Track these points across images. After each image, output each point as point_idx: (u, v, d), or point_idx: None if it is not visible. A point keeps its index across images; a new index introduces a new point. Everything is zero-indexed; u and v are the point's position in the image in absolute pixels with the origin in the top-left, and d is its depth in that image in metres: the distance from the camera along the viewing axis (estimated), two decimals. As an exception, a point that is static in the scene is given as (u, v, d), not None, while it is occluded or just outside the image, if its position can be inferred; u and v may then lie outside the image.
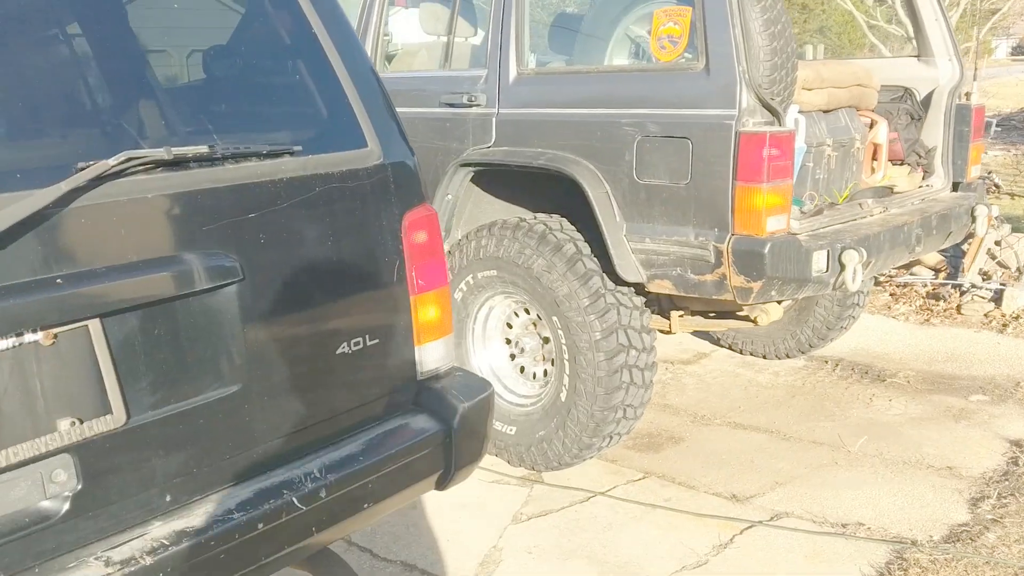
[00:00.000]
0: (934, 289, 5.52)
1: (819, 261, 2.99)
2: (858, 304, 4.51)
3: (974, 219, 3.83)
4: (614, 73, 3.51)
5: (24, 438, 1.43)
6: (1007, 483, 3.20)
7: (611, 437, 3.44)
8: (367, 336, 1.89)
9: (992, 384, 4.25)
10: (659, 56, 3.19)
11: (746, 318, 3.70)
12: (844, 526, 3.02)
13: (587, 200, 3.28)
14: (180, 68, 1.81)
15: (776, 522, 3.10)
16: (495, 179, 3.76)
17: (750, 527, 3.08)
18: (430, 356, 2.04)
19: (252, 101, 1.86)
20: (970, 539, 2.84)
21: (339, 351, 1.85)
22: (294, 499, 1.69)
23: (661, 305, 3.86)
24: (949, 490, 3.23)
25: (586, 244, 3.38)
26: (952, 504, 3.12)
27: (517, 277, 3.45)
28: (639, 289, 3.39)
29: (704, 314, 3.78)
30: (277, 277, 1.73)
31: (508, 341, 3.72)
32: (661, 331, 3.79)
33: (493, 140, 3.60)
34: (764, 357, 4.78)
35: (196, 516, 1.60)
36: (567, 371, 3.38)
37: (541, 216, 3.51)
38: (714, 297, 3.15)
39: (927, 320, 5.23)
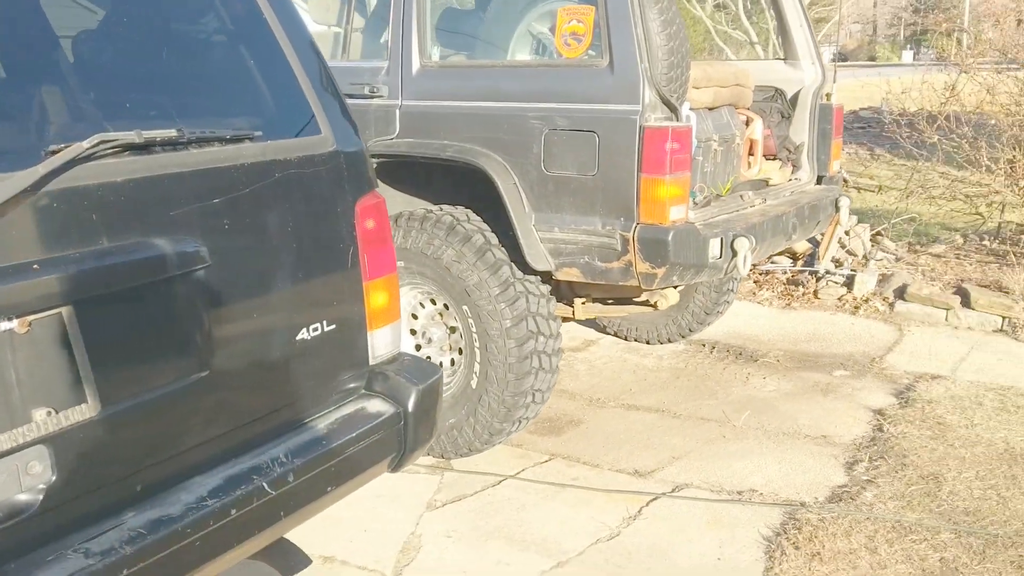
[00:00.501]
0: (793, 276, 6.01)
1: (715, 248, 3.24)
2: (732, 290, 4.86)
3: (838, 209, 4.23)
4: (521, 67, 3.63)
5: (1, 430, 1.39)
6: (875, 448, 3.58)
7: (520, 422, 3.58)
8: (324, 322, 1.93)
9: (851, 360, 4.69)
10: (564, 52, 3.34)
11: (646, 303, 3.93)
12: (739, 493, 3.29)
13: (495, 191, 3.39)
14: (138, 52, 1.77)
15: (678, 493, 3.33)
16: (395, 171, 3.81)
17: (655, 499, 3.29)
18: (381, 341, 2.09)
19: (209, 88, 1.86)
20: (850, 498, 3.16)
21: (299, 337, 1.88)
22: (264, 484, 1.72)
23: (561, 293, 4.03)
24: (826, 456, 3.57)
25: (493, 235, 3.49)
26: (830, 469, 3.45)
27: (425, 268, 3.51)
28: (545, 277, 3.55)
29: (603, 301, 3.98)
30: (240, 263, 1.75)
31: (413, 332, 3.78)
32: (564, 318, 3.95)
33: (397, 132, 3.65)
34: (648, 342, 5.06)
35: (170, 505, 1.60)
36: (477, 359, 3.48)
37: (447, 207, 3.59)
38: (620, 283, 3.35)
39: (788, 304, 5.69)
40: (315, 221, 1.91)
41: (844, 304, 5.57)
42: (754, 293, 5.91)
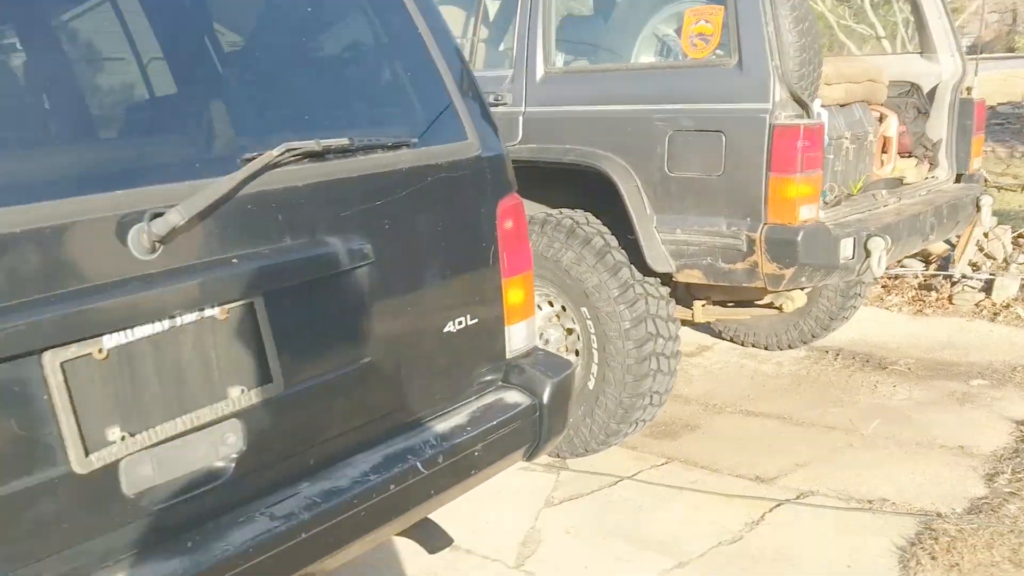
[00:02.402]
0: (925, 280, 5.98)
1: (846, 248, 3.36)
2: (859, 295, 4.92)
3: (979, 209, 4.26)
4: (644, 70, 3.83)
5: (204, 404, 1.69)
6: (1019, 459, 3.62)
7: (637, 424, 3.77)
8: (468, 316, 2.18)
9: (990, 369, 4.69)
10: (690, 53, 3.53)
11: (770, 305, 4.06)
12: (870, 502, 3.40)
13: (615, 194, 3.60)
14: (308, 67, 2.07)
15: (803, 500, 3.46)
16: (516, 177, 4.05)
17: (778, 505, 3.44)
18: (517, 336, 2.33)
19: (370, 98, 2.14)
20: (991, 510, 3.23)
21: (445, 329, 2.13)
22: (418, 464, 1.97)
23: (679, 295, 4.20)
24: (963, 467, 3.63)
25: (612, 237, 3.70)
26: (968, 480, 3.52)
27: (544, 270, 3.75)
28: (663, 280, 3.73)
29: (723, 303, 4.13)
30: (398, 260, 2.01)
31: (531, 331, 4.01)
32: (683, 320, 4.13)
33: (519, 138, 3.90)
34: (766, 348, 5.17)
35: (339, 478, 1.88)
36: (595, 360, 3.70)
37: (567, 211, 3.81)
38: (744, 285, 3.50)
39: (920, 311, 5.69)
40: (461, 222, 2.17)
41: (982, 310, 5.53)
42: (882, 299, 5.92)
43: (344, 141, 1.88)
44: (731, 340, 5.29)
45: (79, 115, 1.70)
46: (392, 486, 1.91)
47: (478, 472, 2.13)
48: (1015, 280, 5.58)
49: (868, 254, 3.40)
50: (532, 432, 2.27)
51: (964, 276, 5.78)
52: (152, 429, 1.62)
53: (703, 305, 4.11)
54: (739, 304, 4.15)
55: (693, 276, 3.59)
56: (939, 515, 3.24)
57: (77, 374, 1.52)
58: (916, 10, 4.56)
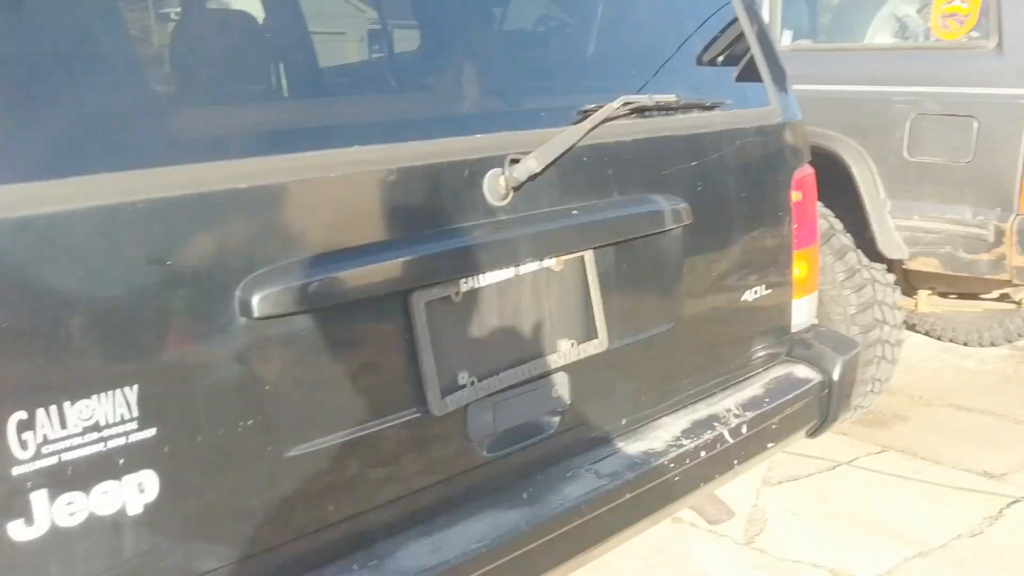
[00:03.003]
0: None
1: (1102, 244, 2.94)
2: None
3: None
4: (887, 50, 3.49)
5: (539, 355, 1.54)
6: None
7: (856, 409, 3.45)
8: (763, 286, 1.97)
9: None
10: (941, 34, 3.17)
11: (1006, 299, 3.64)
12: (1117, 507, 2.97)
13: (845, 177, 3.27)
14: (639, 28, 1.90)
15: (1040, 500, 3.06)
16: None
17: (1015, 502, 3.05)
18: (801, 310, 2.10)
19: (683, 59, 1.94)
20: None
21: (743, 297, 1.93)
22: (724, 432, 1.77)
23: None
24: None
25: (838, 220, 3.37)
26: None
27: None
28: (890, 267, 3.38)
29: (946, 295, 3.73)
30: (710, 223, 1.82)
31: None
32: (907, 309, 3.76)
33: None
34: (965, 344, 4.68)
35: (653, 440, 1.70)
36: (817, 343, 3.39)
37: (792, 191, 3.51)
38: (986, 276, 3.13)
39: None
40: (763, 189, 1.96)
41: None
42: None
43: (672, 97, 1.70)
44: (926, 334, 4.82)
45: (443, 68, 1.57)
46: (703, 452, 1.73)
47: (775, 444, 1.93)
48: None
49: None
50: (820, 409, 2.03)
51: None
52: (496, 376, 1.49)
53: (928, 295, 3.72)
54: (965, 296, 3.73)
55: (929, 264, 3.23)
56: None
57: (437, 315, 1.39)
58: None
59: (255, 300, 1.15)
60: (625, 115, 1.63)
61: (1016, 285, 3.32)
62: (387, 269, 1.30)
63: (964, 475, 3.29)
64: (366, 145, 1.31)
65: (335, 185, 1.26)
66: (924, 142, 3.16)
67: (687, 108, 1.75)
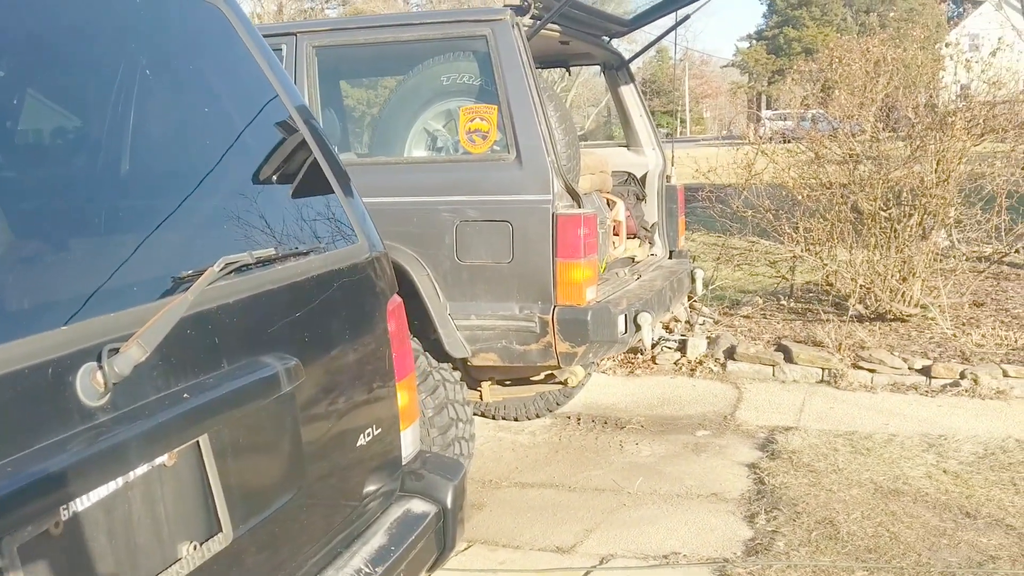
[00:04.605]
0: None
1: (621, 324, 3.62)
2: (595, 362, 5.29)
3: (694, 280, 4.81)
4: (426, 163, 3.85)
5: (156, 570, 1.39)
6: (765, 500, 4.06)
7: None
8: (375, 425, 2.03)
9: (707, 420, 5.26)
10: (469, 148, 3.63)
11: (554, 380, 4.21)
12: (665, 557, 3.61)
13: (411, 283, 3.56)
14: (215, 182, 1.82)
15: (608, 564, 3.59)
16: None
17: (587, 573, 3.53)
18: (407, 440, 2.20)
19: (270, 207, 1.92)
20: (765, 549, 3.59)
21: (359, 443, 1.96)
22: (362, 598, 1.77)
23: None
24: (725, 513, 4.00)
25: (403, 325, 3.63)
26: (735, 524, 3.88)
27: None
28: (454, 364, 3.74)
29: (503, 383, 4.22)
30: (320, 374, 1.83)
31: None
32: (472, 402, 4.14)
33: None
34: (516, 419, 5.33)
35: (293, 628, 1.63)
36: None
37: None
38: (538, 364, 3.62)
39: (631, 372, 6.23)
40: (364, 327, 2.02)
41: (681, 368, 6.19)
42: (597, 364, 6.39)
43: (271, 251, 1.69)
44: (482, 415, 5.37)
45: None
46: (345, 625, 1.70)
47: (402, 596, 1.97)
48: (702, 339, 6.33)
49: (638, 328, 3.69)
50: (438, 541, 2.14)
51: (662, 338, 6.44)
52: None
53: (490, 385, 4.16)
54: (515, 382, 4.26)
55: (489, 359, 3.64)
56: (727, 560, 3.53)
57: (35, 555, 1.19)
58: (622, 109, 5.09)
59: None
60: (223, 276, 1.59)
61: (561, 369, 3.92)
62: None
63: (542, 555, 3.70)
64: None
65: None
66: (470, 246, 3.57)
67: (283, 258, 1.76)
